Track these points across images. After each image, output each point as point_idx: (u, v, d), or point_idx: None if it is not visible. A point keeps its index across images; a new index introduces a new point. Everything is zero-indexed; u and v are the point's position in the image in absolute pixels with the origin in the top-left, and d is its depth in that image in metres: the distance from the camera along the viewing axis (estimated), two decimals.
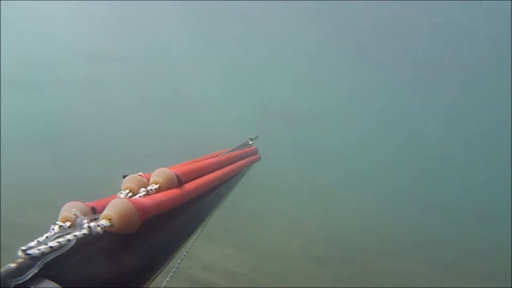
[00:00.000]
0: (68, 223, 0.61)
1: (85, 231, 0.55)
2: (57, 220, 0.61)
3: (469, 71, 17.93)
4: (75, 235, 0.53)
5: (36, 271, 0.45)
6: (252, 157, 1.72)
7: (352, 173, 16.04)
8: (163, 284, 1.06)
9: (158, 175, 0.82)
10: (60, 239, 0.51)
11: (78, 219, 0.59)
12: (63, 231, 0.54)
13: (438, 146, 22.65)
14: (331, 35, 18.00)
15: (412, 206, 13.32)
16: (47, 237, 0.54)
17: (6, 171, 9.29)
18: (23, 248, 0.48)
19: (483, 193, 17.80)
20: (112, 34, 20.34)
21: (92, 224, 0.56)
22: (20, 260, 0.47)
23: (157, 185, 0.79)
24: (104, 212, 0.60)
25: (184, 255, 1.06)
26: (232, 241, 7.00)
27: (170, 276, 1.10)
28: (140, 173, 0.82)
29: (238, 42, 20.46)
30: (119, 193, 0.74)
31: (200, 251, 6.17)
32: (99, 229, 0.56)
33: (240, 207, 8.64)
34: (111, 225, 0.59)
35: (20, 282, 0.43)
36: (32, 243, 0.50)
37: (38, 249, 0.48)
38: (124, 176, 0.80)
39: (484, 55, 16.43)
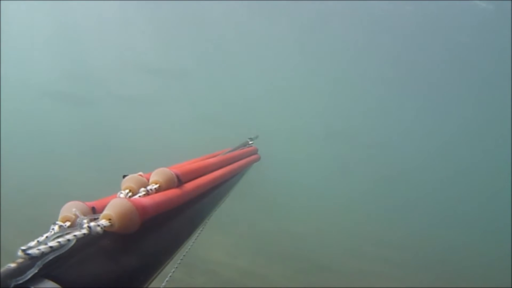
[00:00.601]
0: (68, 223, 0.61)
1: (85, 231, 0.55)
2: (57, 220, 0.61)
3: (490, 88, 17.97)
4: (75, 235, 0.53)
5: (36, 271, 0.45)
6: (252, 157, 1.72)
7: (372, 188, 16.25)
8: (163, 284, 1.06)
9: (158, 175, 0.81)
10: (60, 239, 0.51)
11: (78, 219, 0.58)
12: (63, 231, 0.54)
13: (450, 160, 22.83)
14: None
15: (426, 219, 13.43)
16: (47, 237, 0.53)
17: (30, 180, 9.09)
18: (23, 248, 0.47)
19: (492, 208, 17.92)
20: (166, 49, 20.33)
21: (92, 224, 0.56)
22: (20, 260, 0.46)
23: (157, 185, 0.79)
24: (104, 212, 0.60)
25: (184, 255, 1.06)
26: (254, 255, 6.91)
27: (170, 276, 1.10)
28: (140, 172, 0.82)
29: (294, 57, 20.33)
30: (119, 193, 0.74)
31: (217, 266, 6.04)
32: (99, 229, 0.56)
33: (269, 218, 8.69)
34: (111, 225, 0.59)
35: (20, 282, 0.43)
36: (32, 243, 0.50)
37: (38, 249, 0.47)
38: (124, 176, 0.79)
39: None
